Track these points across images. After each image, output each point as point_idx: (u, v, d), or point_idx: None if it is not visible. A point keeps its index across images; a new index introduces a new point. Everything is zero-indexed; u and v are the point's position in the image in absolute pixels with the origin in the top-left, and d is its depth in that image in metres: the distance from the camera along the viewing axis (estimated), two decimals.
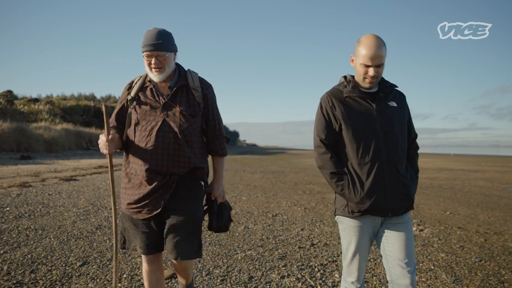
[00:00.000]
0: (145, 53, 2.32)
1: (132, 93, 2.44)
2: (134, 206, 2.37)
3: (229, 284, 3.52)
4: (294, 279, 3.69)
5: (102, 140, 2.29)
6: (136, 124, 2.39)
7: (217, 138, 2.56)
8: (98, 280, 3.54)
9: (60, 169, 14.57)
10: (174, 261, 2.45)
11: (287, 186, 11.68)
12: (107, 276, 3.61)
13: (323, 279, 3.72)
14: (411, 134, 2.42)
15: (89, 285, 3.40)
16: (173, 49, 2.39)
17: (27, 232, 5.18)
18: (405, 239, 2.24)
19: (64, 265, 3.90)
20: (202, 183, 2.51)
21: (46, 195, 8.32)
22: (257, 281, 3.63)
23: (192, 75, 2.49)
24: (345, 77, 2.42)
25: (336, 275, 3.82)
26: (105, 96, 59.10)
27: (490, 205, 8.74)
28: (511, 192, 11.46)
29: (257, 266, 4.04)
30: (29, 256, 4.16)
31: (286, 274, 3.82)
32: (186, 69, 2.54)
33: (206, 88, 2.50)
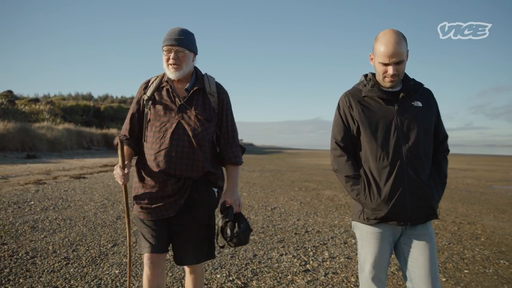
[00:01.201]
0: (165, 47, 2.30)
1: (148, 93, 2.40)
2: (145, 206, 2.33)
3: (237, 260, 4.28)
4: (291, 256, 4.45)
5: (118, 173, 2.26)
6: (151, 124, 2.36)
7: (230, 146, 2.47)
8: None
9: (67, 167, 15.28)
10: (186, 267, 2.49)
11: (284, 184, 12.42)
12: (136, 254, 4.35)
13: (315, 256, 4.49)
14: (439, 135, 2.23)
15: (124, 260, 4.14)
16: (193, 48, 2.36)
17: (57, 221, 5.91)
18: (429, 254, 2.10)
19: (98, 246, 4.65)
20: (215, 189, 2.45)
21: (62, 191, 9.03)
22: (260, 257, 4.40)
23: (209, 80, 2.45)
24: (365, 75, 2.28)
25: (326, 254, 4.59)
26: (102, 96, 59.82)
27: (471, 200, 9.51)
28: (494, 189, 12.24)
29: (259, 247, 4.81)
30: (66, 239, 4.90)
31: (284, 253, 4.59)
32: (203, 73, 2.49)
33: (223, 93, 2.45)
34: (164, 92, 2.39)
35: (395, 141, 2.08)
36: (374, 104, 2.15)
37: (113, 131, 35.00)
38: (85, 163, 17.97)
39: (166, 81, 2.40)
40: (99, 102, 51.23)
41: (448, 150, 2.26)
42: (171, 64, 2.30)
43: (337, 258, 4.43)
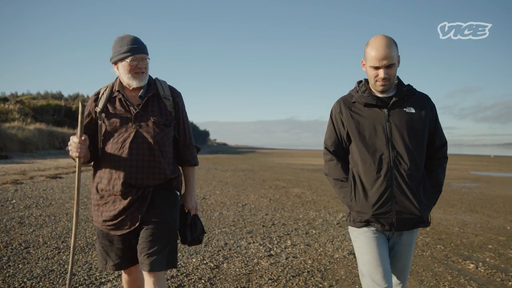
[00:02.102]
0: (132, 57, 2.26)
1: (100, 105, 2.33)
2: (111, 223, 2.27)
3: (210, 248, 4.87)
4: (257, 244, 5.09)
5: (74, 142, 2.19)
6: (107, 137, 2.30)
7: (188, 148, 2.49)
8: None
9: (42, 168, 15.46)
10: (146, 273, 2.28)
11: (256, 182, 13.06)
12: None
13: (279, 244, 5.14)
14: (436, 142, 2.23)
15: None
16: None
17: (42, 217, 6.35)
18: (404, 263, 2.20)
19: (85, 237, 5.16)
20: (178, 193, 2.47)
21: (41, 190, 9.37)
22: (230, 245, 5.01)
23: (162, 84, 2.43)
24: (359, 82, 2.30)
25: (288, 242, 5.24)
26: (72, 95, 59.03)
27: None
28: (450, 186, 13.28)
29: (230, 237, 5.42)
30: (54, 233, 5.37)
31: (252, 242, 5.22)
32: (153, 77, 2.47)
33: (177, 96, 2.45)
34: (117, 103, 2.34)
35: (383, 146, 2.10)
36: (364, 110, 2.17)
37: None
38: (60, 163, 18.12)
39: (118, 91, 2.34)
40: (70, 102, 50.59)
41: (446, 157, 2.26)
42: (140, 73, 2.30)
43: (298, 246, 5.08)
